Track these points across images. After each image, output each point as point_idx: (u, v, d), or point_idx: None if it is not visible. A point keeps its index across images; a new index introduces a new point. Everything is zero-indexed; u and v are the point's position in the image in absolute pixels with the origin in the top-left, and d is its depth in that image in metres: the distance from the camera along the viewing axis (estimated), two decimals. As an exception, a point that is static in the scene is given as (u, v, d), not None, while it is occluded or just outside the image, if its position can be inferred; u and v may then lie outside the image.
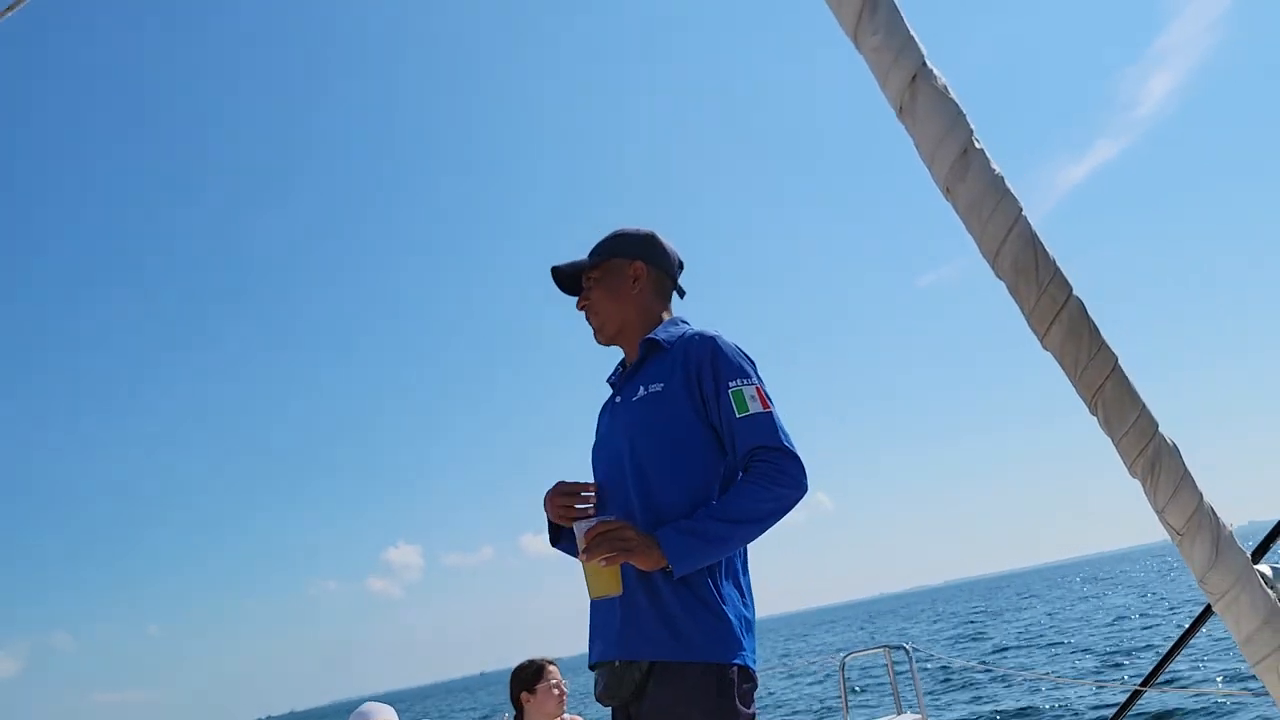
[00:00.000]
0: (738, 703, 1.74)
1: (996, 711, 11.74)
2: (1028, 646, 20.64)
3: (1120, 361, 0.84)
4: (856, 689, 15.13)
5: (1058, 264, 0.83)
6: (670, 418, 1.86)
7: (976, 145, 0.82)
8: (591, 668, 1.91)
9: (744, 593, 1.86)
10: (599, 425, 2.10)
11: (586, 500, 1.88)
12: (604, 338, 2.05)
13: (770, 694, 18.12)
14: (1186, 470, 0.85)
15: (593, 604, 1.89)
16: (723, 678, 1.74)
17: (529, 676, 3.10)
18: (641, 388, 1.91)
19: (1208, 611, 1.49)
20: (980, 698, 13.25)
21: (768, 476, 1.76)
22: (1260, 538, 1.41)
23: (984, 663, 16.41)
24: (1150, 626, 20.01)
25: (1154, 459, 0.83)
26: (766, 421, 1.80)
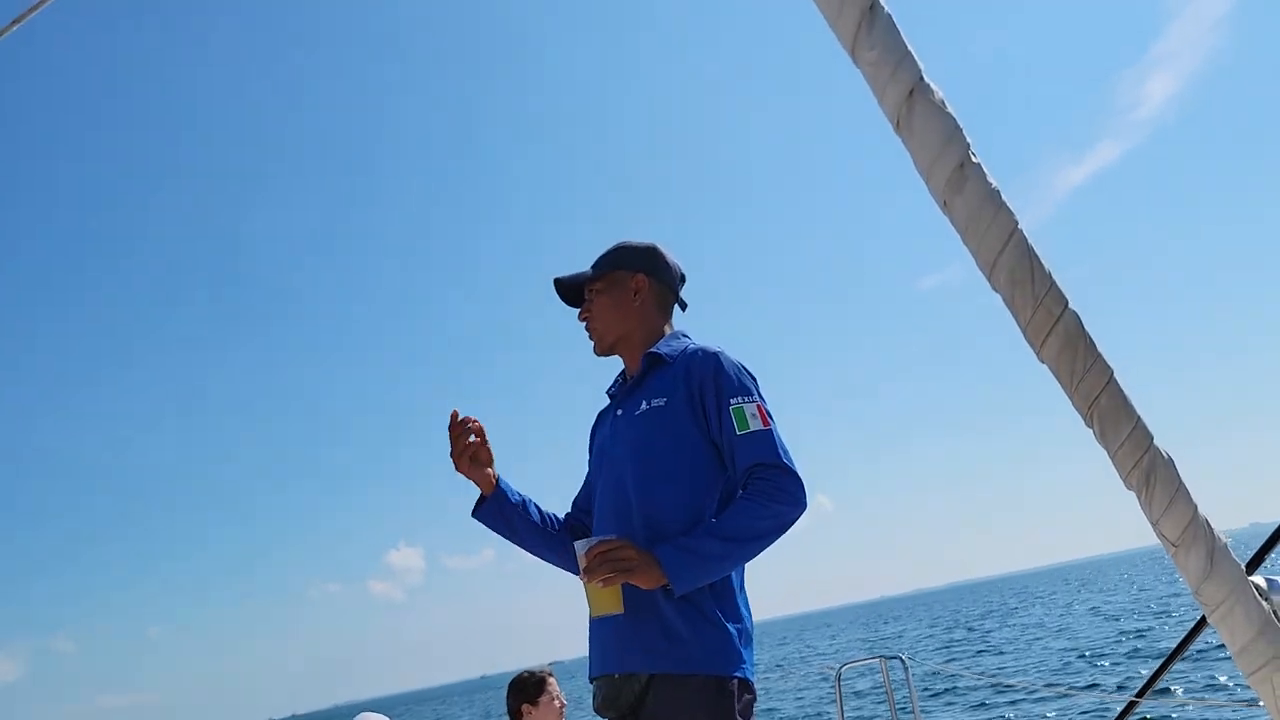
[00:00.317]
0: (738, 716, 1.73)
1: (992, 722, 11.72)
2: (1025, 653, 20.63)
3: (1116, 374, 0.85)
4: (855, 697, 15.10)
5: (1054, 277, 0.84)
6: (673, 433, 1.86)
7: (973, 159, 0.82)
8: (592, 680, 1.90)
9: (743, 605, 1.85)
10: (596, 435, 2.10)
11: (469, 427, 1.97)
12: (602, 349, 2.06)
13: (766, 705, 18.07)
14: (1181, 482, 0.86)
15: (590, 616, 1.88)
16: (722, 690, 1.74)
17: (531, 688, 3.05)
18: (644, 402, 1.91)
19: (1202, 623, 1.50)
20: (976, 708, 13.24)
21: (766, 494, 1.76)
22: (1262, 540, 1.41)
23: (979, 673, 16.39)
24: (1148, 631, 20.04)
25: (1149, 471, 0.84)
26: (767, 439, 1.80)
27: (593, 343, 2.06)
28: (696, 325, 2.10)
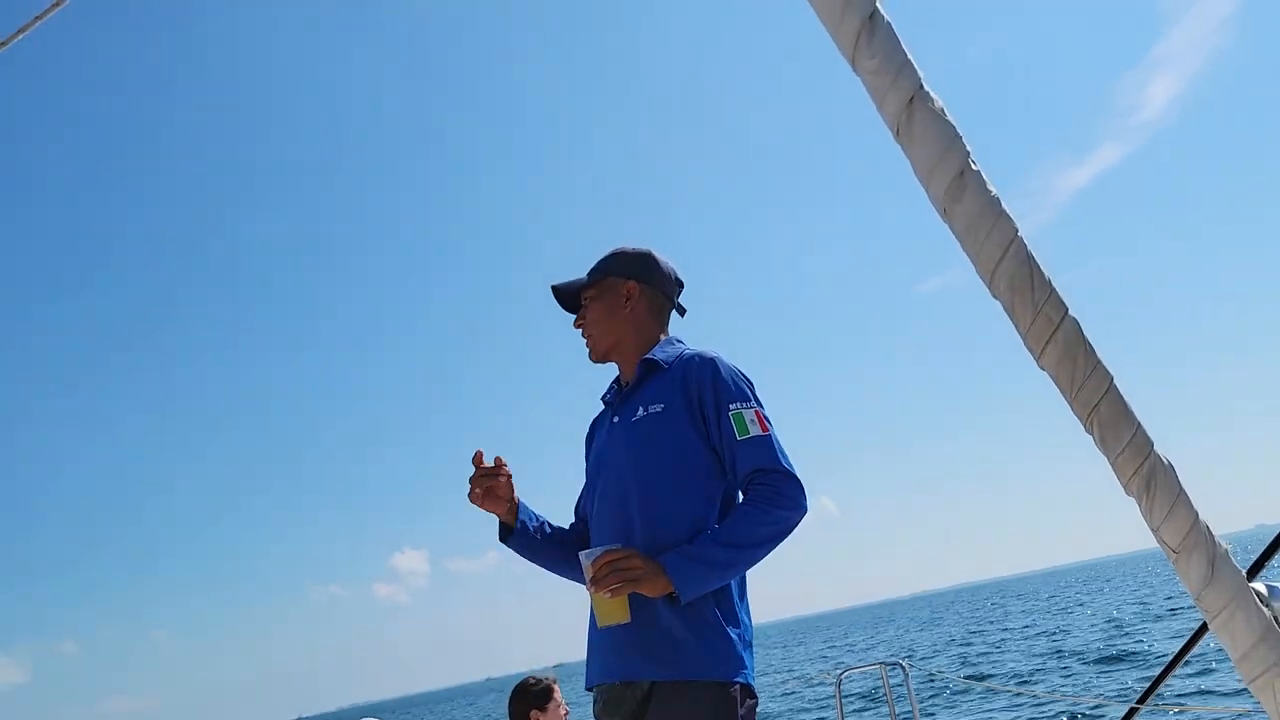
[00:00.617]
0: None
1: (992, 728, 11.69)
2: (1026, 658, 20.60)
3: (1115, 381, 0.85)
4: (855, 703, 15.06)
5: (1053, 284, 0.84)
6: (671, 439, 1.86)
7: (973, 167, 0.83)
8: (589, 689, 1.90)
9: (743, 611, 1.85)
10: (592, 441, 2.10)
11: (499, 473, 1.97)
12: (596, 355, 2.06)
13: (768, 711, 18.03)
14: (1181, 489, 0.86)
15: (591, 623, 1.88)
16: (725, 696, 1.74)
17: (539, 695, 3.03)
18: (641, 408, 1.92)
19: (1203, 629, 1.49)
20: (976, 714, 13.21)
21: (767, 499, 1.76)
22: (1266, 542, 1.41)
23: (979, 679, 16.35)
24: (1149, 637, 20.01)
25: (1149, 478, 0.84)
26: (766, 444, 1.81)
27: (588, 349, 2.07)
28: (698, 328, 2.10)
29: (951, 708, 14.24)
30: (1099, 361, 0.84)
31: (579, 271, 2.10)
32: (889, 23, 0.84)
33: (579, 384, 2.26)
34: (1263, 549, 1.42)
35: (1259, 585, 0.96)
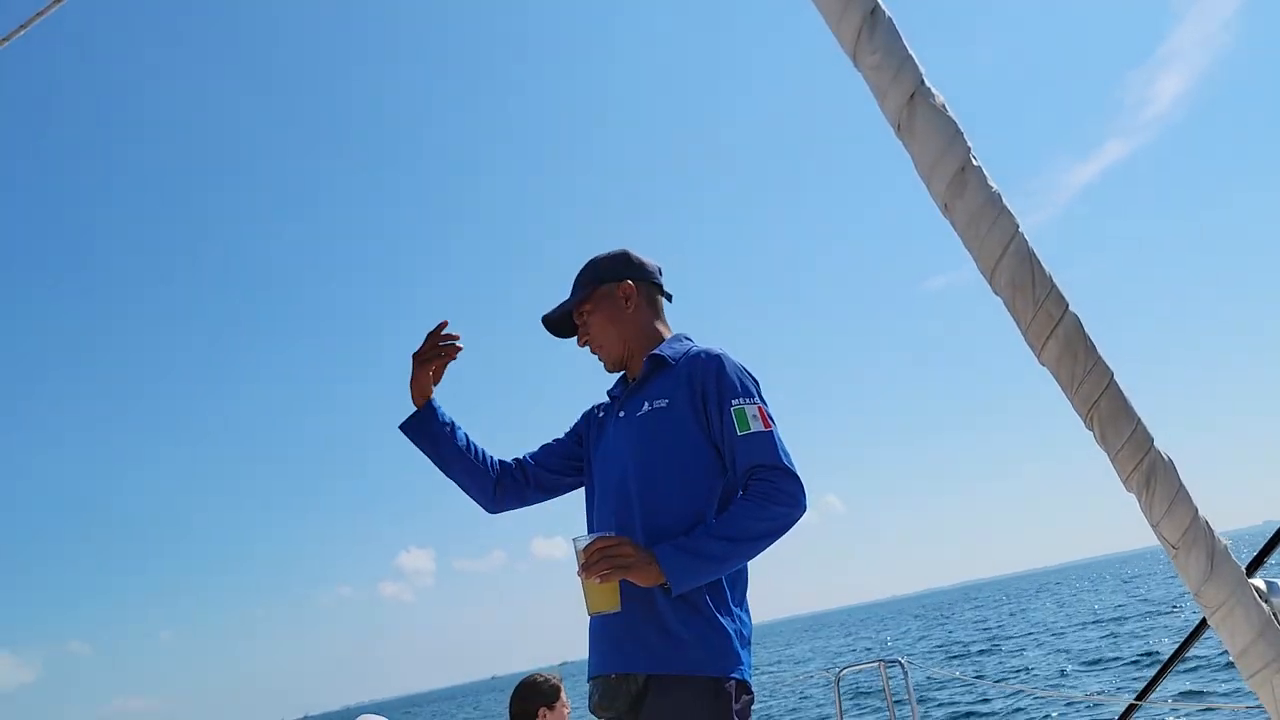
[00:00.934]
0: (735, 717, 1.74)
1: (991, 726, 11.71)
2: (1027, 655, 20.62)
3: (1116, 377, 0.85)
4: (854, 701, 15.08)
5: (1054, 280, 0.84)
6: (675, 434, 1.87)
7: (974, 163, 0.83)
8: (590, 680, 1.91)
9: (741, 606, 1.86)
10: (594, 435, 2.10)
11: (454, 350, 2.06)
12: (612, 364, 2.07)
13: (766, 709, 18.05)
14: (1181, 485, 0.86)
15: (591, 617, 1.89)
16: (720, 691, 1.74)
17: (549, 692, 3.02)
18: (646, 403, 1.93)
19: (1203, 625, 1.50)
20: (975, 712, 13.23)
21: (766, 495, 1.77)
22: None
23: (979, 676, 16.36)
24: (1149, 633, 20.03)
25: (1149, 473, 0.84)
26: (767, 440, 1.82)
27: (602, 362, 2.08)
28: (705, 325, 2.11)
29: (950, 705, 14.25)
30: (1099, 357, 0.84)
31: (569, 282, 2.11)
32: (890, 19, 0.84)
33: (584, 382, 2.27)
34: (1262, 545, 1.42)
35: (1258, 581, 0.96)
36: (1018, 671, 17.78)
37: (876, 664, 5.35)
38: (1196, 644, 1.64)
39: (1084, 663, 17.31)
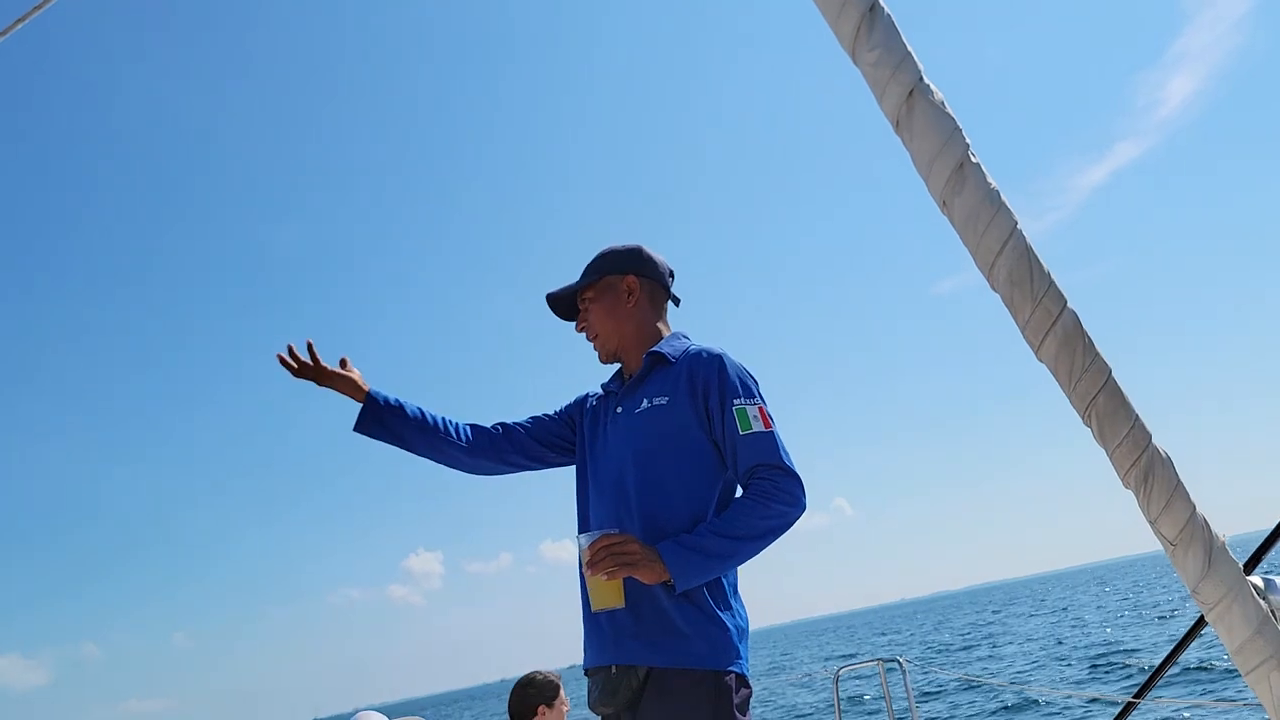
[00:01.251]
0: (735, 710, 1.74)
1: (990, 725, 11.72)
2: (1028, 655, 20.64)
3: (1114, 374, 0.86)
4: (852, 701, 15.09)
5: (1053, 277, 0.84)
6: (674, 431, 1.88)
7: (972, 159, 0.83)
8: (587, 673, 1.91)
9: (737, 600, 1.87)
10: (588, 426, 2.10)
11: (301, 360, 2.07)
12: (605, 355, 2.07)
13: (765, 707, 18.07)
14: (1179, 482, 0.86)
15: (585, 609, 1.89)
16: (720, 685, 1.75)
17: (548, 690, 3.02)
18: (645, 400, 1.93)
19: (1201, 622, 1.50)
20: (973, 711, 13.24)
21: (767, 494, 1.78)
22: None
23: (977, 675, 16.38)
24: (1152, 632, 20.05)
25: (1147, 470, 0.84)
26: (768, 440, 1.83)
27: (596, 351, 2.08)
28: (714, 328, 2.11)
29: (949, 704, 14.27)
30: (1097, 354, 0.84)
31: (564, 281, 2.10)
32: (889, 15, 0.84)
33: (591, 384, 2.26)
34: None
35: (1256, 579, 0.96)
36: (1018, 671, 17.80)
37: (875, 663, 5.35)
38: (1194, 642, 1.64)
39: (1084, 661, 17.33)
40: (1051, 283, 0.83)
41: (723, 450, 1.87)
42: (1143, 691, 1.96)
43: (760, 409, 1.85)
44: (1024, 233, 0.83)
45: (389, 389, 2.10)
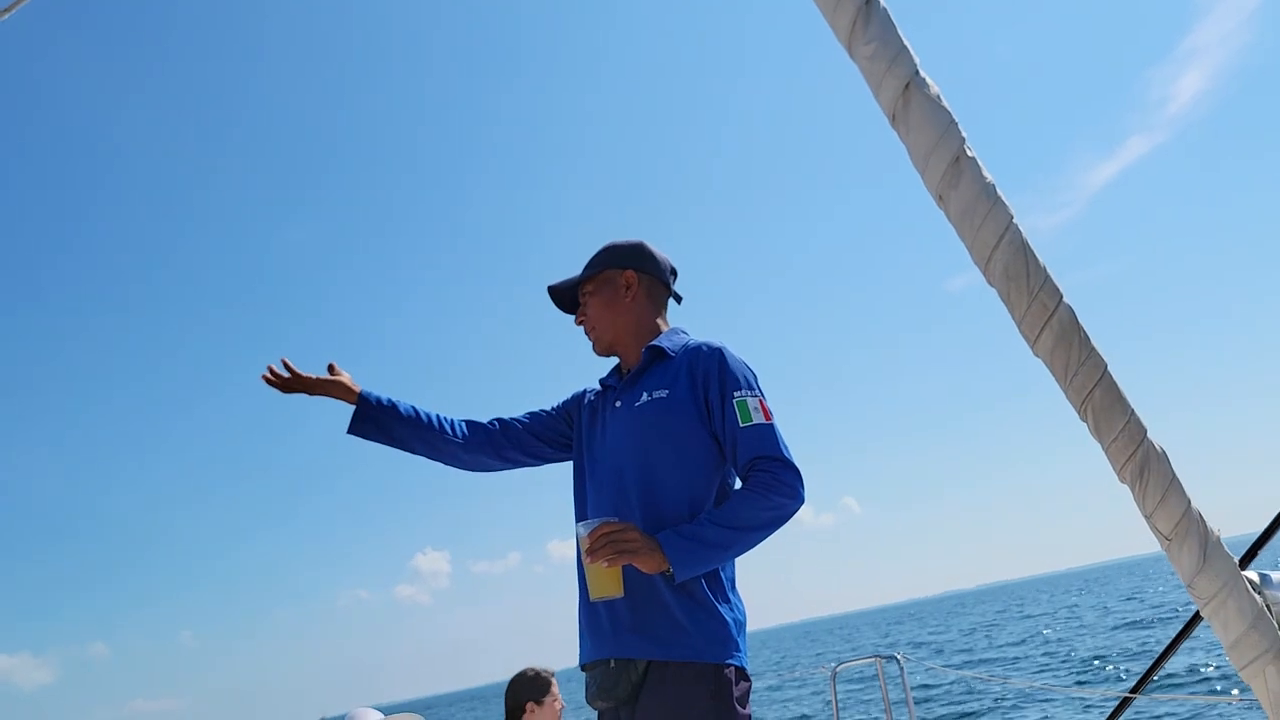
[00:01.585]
0: (735, 703, 1.75)
1: (987, 721, 11.76)
2: (1028, 651, 20.70)
3: (1110, 368, 0.86)
4: (850, 696, 15.13)
5: (1048, 271, 0.84)
6: (674, 424, 1.89)
7: (968, 153, 0.83)
8: (584, 668, 1.91)
9: (735, 594, 1.88)
10: (585, 421, 2.10)
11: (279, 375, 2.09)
12: (601, 348, 2.08)
13: (763, 704, 18.10)
14: (1175, 476, 0.86)
15: (583, 603, 1.89)
16: (720, 678, 1.76)
17: (540, 687, 3.02)
18: (645, 393, 1.94)
19: (1196, 617, 1.50)
20: (971, 707, 13.27)
21: (767, 486, 1.78)
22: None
23: (975, 672, 16.42)
24: (1148, 628, 20.11)
25: (1142, 465, 0.84)
26: (769, 433, 1.83)
27: (592, 344, 2.08)
28: (724, 325, 2.11)
29: (946, 700, 14.30)
30: (1093, 349, 0.84)
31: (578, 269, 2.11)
32: (885, 9, 0.84)
33: (591, 380, 2.26)
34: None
35: (1251, 573, 0.96)
36: (1017, 667, 17.84)
37: (873, 659, 5.35)
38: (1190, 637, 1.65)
39: (1083, 661, 17.38)
40: (1047, 277, 0.83)
41: (722, 443, 1.87)
42: (1139, 687, 1.96)
43: (760, 401, 1.87)
44: (1020, 227, 0.83)
45: (391, 388, 2.09)
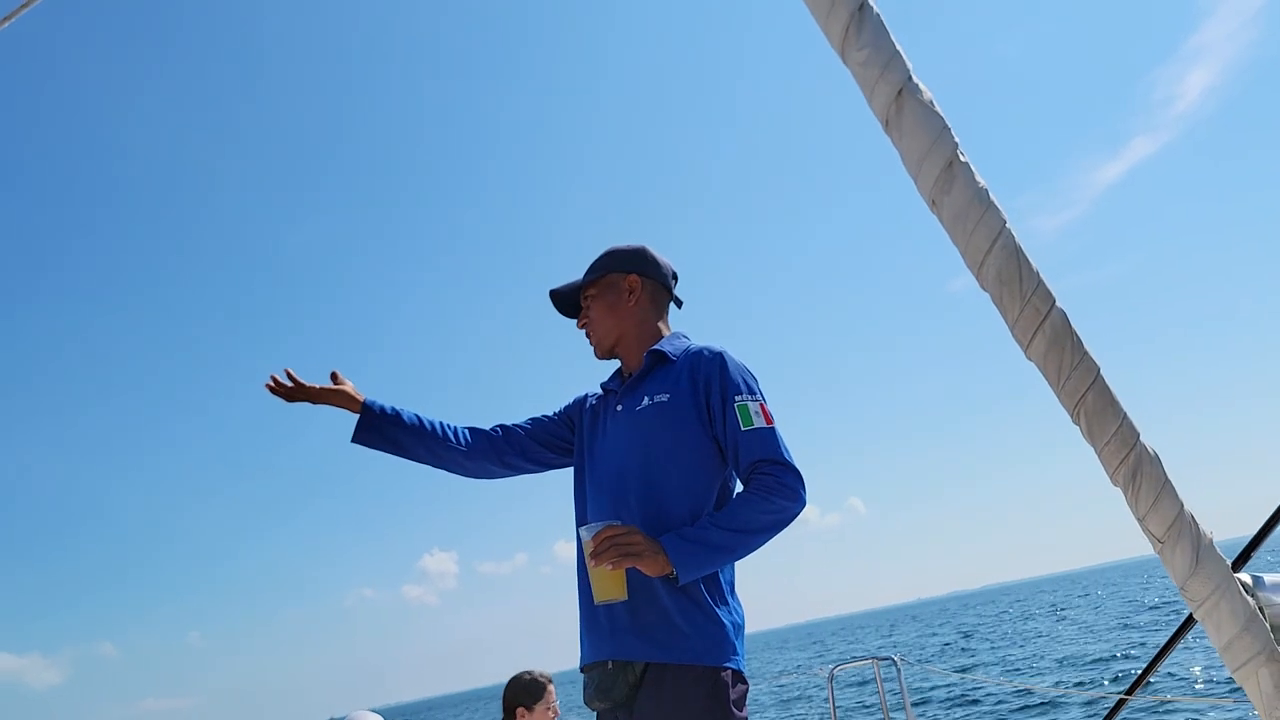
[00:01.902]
0: (732, 706, 1.75)
1: (984, 722, 11.77)
2: (1026, 653, 20.73)
3: (1102, 372, 0.86)
4: (847, 698, 15.13)
5: (1041, 276, 0.85)
6: (675, 428, 1.90)
7: (961, 159, 0.83)
8: (583, 669, 1.91)
9: (734, 597, 1.89)
10: (587, 425, 2.11)
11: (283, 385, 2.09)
12: (602, 351, 2.09)
13: (760, 706, 18.10)
14: (1167, 479, 0.87)
15: (583, 605, 1.90)
16: (717, 680, 1.77)
17: (532, 691, 3.03)
18: (646, 398, 1.95)
19: (1190, 620, 1.51)
20: (968, 709, 13.29)
21: (769, 489, 1.79)
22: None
23: (972, 674, 16.44)
24: (1144, 630, 20.13)
25: (1135, 468, 0.85)
26: (770, 436, 1.85)
27: (593, 347, 2.09)
28: (728, 327, 2.12)
29: (943, 701, 14.31)
30: (1086, 352, 0.85)
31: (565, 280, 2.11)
32: (878, 15, 0.84)
33: (592, 386, 2.26)
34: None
35: (1244, 575, 0.97)
36: (1015, 669, 17.86)
37: (870, 661, 5.36)
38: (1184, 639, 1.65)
39: (1082, 660, 17.41)
40: (1040, 281, 0.84)
41: (723, 446, 1.88)
42: (1134, 688, 1.97)
43: (761, 405, 1.88)
44: (1013, 232, 0.84)
45: (394, 387, 2.10)
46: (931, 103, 0.83)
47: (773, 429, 1.86)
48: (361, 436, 2.10)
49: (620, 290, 2.06)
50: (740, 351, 1.98)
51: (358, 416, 2.10)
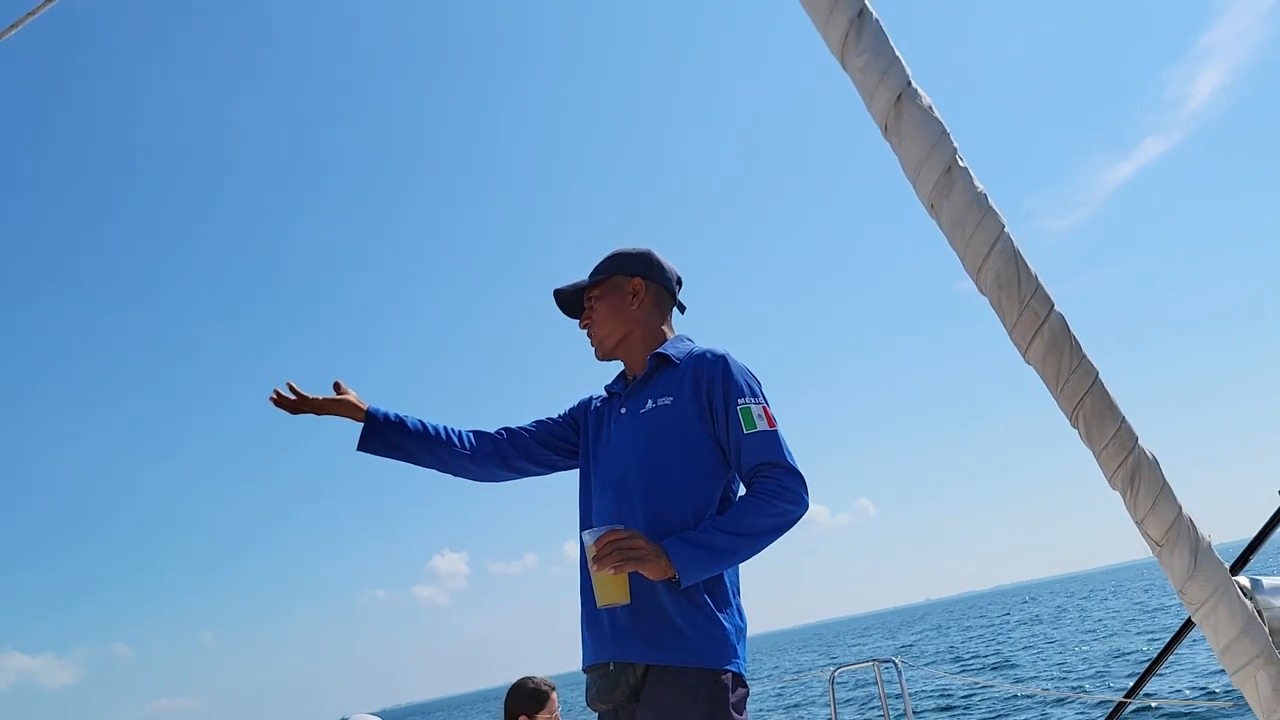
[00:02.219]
0: (732, 709, 1.76)
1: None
2: (1027, 655, 20.72)
3: (1101, 376, 0.86)
4: (848, 701, 15.12)
5: (1039, 280, 0.85)
6: (678, 431, 1.90)
7: (960, 163, 0.83)
8: (585, 671, 1.92)
9: (737, 601, 1.89)
10: (591, 428, 2.11)
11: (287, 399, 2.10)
12: (602, 353, 2.10)
13: (760, 708, 18.09)
14: (1166, 483, 0.87)
15: (585, 607, 1.90)
16: (717, 684, 1.77)
17: (537, 700, 3.01)
18: (650, 400, 1.95)
19: (1189, 624, 1.51)
20: (968, 711, 13.28)
21: (772, 492, 1.80)
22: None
23: (972, 676, 16.43)
24: (1144, 633, 20.12)
25: (1134, 471, 0.85)
26: (773, 439, 1.85)
27: (594, 348, 2.10)
28: (736, 328, 2.13)
29: (944, 704, 14.30)
30: (1084, 356, 0.85)
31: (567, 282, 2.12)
32: (877, 20, 0.85)
33: (595, 389, 2.27)
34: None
35: (1242, 579, 0.97)
36: (1015, 670, 17.85)
37: (870, 663, 5.35)
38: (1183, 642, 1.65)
39: (1081, 662, 17.40)
40: (1039, 285, 0.84)
41: (726, 450, 1.89)
42: (1133, 691, 1.97)
43: (764, 409, 1.88)
44: (1011, 236, 0.84)
45: (397, 388, 2.10)
46: (930, 108, 0.83)
47: (775, 432, 1.86)
48: (367, 445, 2.11)
49: (624, 293, 2.06)
50: (743, 352, 1.98)
51: (362, 425, 2.10)
